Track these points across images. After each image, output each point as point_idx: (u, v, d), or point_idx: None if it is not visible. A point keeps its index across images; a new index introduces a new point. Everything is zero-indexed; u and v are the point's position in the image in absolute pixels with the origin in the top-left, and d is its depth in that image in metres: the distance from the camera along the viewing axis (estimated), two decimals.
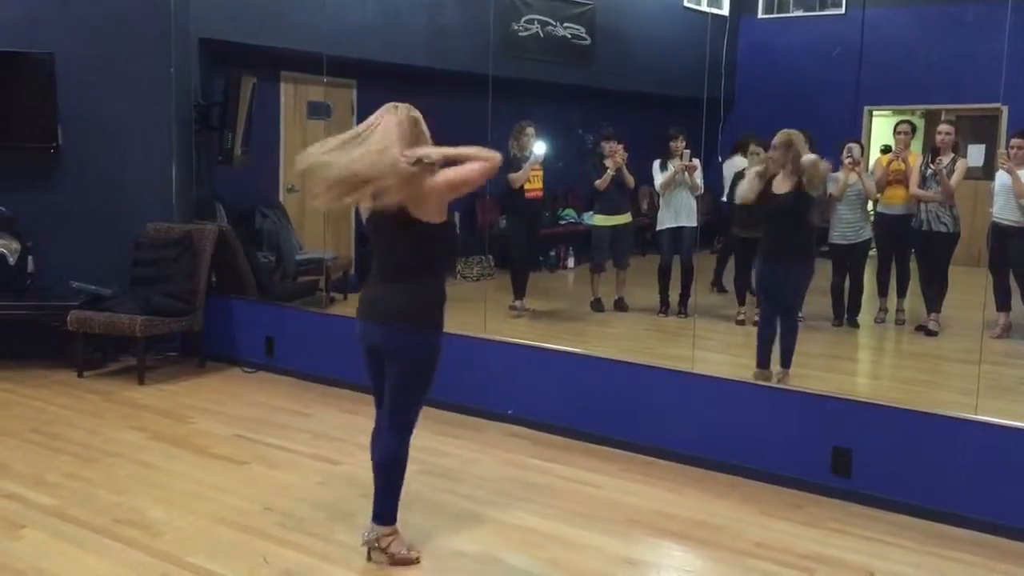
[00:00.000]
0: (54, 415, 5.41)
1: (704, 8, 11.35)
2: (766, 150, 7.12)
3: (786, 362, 5.44)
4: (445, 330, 3.50)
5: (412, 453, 4.54)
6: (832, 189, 7.16)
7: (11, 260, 6.38)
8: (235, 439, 5.06)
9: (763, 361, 5.50)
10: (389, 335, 3.41)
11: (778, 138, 5.40)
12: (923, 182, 6.99)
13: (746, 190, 5.54)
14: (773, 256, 5.48)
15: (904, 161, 7.15)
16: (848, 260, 7.25)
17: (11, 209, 6.45)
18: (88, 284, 6.35)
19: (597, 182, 7.76)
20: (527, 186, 7.51)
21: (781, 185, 5.42)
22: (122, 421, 5.33)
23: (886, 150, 7.45)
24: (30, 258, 6.47)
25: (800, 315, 6.82)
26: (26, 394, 5.80)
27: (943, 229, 6.89)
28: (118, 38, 6.60)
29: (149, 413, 5.50)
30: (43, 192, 6.56)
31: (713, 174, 8.14)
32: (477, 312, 6.00)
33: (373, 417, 3.65)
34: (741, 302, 7.42)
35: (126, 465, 4.60)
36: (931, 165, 6.91)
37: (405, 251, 3.41)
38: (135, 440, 4.99)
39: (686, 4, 11.40)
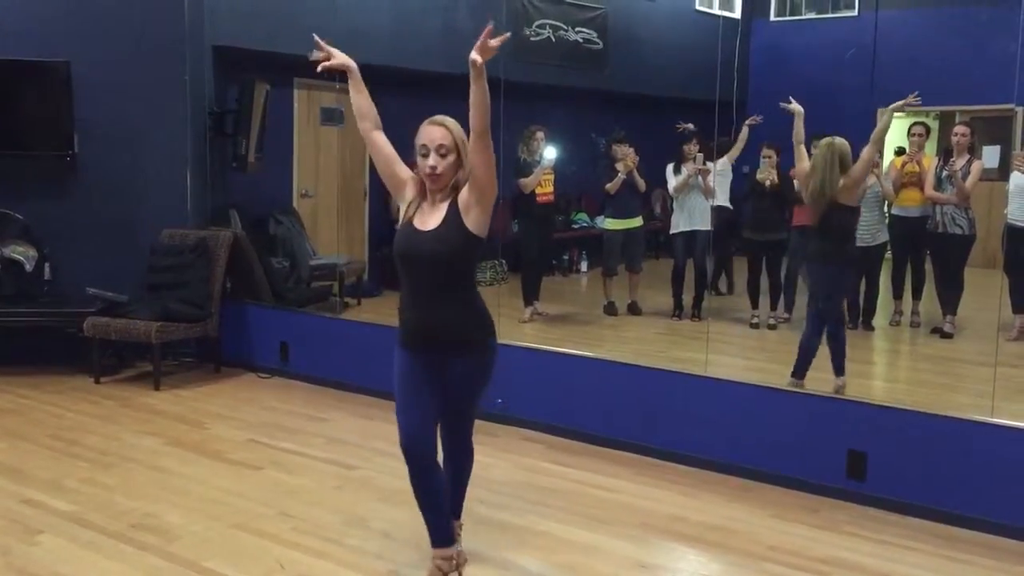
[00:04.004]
0: (71, 421, 5.44)
1: (716, 11, 11.34)
2: (778, 154, 7.13)
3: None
4: None
5: None
6: None
7: (28, 267, 6.44)
8: (250, 444, 5.08)
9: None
10: None
11: None
12: (938, 184, 6.95)
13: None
14: None
15: (918, 163, 7.11)
16: (864, 263, 7.20)
17: (28, 216, 6.51)
18: (104, 290, 6.40)
19: (607, 185, 7.76)
20: (538, 190, 7.51)
21: None
22: (138, 427, 5.36)
23: (900, 152, 7.42)
24: (46, 265, 6.52)
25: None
26: (43, 400, 5.84)
27: (959, 231, 6.84)
28: (133, 46, 6.64)
29: (165, 419, 5.53)
30: (59, 199, 6.61)
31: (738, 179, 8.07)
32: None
33: (398, 423, 3.50)
34: (754, 305, 7.39)
35: (142, 470, 4.63)
36: (945, 167, 6.87)
37: None
38: (151, 446, 5.02)
39: (698, 7, 11.39)
